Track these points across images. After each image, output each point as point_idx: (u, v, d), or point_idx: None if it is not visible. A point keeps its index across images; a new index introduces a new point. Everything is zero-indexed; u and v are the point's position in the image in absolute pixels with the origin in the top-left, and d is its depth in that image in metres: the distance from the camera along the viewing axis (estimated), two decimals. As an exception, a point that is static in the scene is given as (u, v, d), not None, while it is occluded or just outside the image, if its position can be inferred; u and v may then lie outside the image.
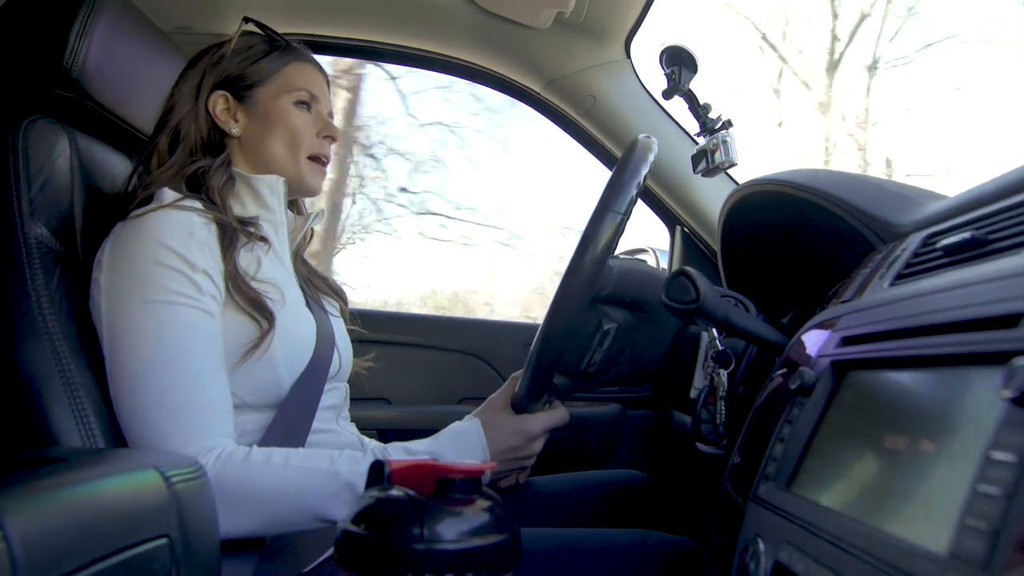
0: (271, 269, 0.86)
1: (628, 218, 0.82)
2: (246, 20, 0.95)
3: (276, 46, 0.94)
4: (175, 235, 0.77)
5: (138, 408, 0.73)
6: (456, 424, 0.90)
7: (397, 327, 1.60)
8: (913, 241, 0.65)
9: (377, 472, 0.48)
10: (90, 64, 0.87)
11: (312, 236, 1.06)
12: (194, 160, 0.87)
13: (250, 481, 0.73)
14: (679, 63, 1.28)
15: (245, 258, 0.84)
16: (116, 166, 0.97)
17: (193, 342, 0.75)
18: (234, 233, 0.82)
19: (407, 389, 1.57)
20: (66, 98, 0.88)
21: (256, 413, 0.83)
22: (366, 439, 1.02)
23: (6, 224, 0.77)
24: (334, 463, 0.77)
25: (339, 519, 0.64)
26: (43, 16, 0.88)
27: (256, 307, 0.80)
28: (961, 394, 0.38)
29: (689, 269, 0.72)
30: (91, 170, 0.90)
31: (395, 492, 0.45)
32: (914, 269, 0.60)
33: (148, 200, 0.83)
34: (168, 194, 0.83)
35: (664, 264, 1.68)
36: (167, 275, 0.76)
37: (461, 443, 0.87)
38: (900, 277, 0.61)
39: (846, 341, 0.55)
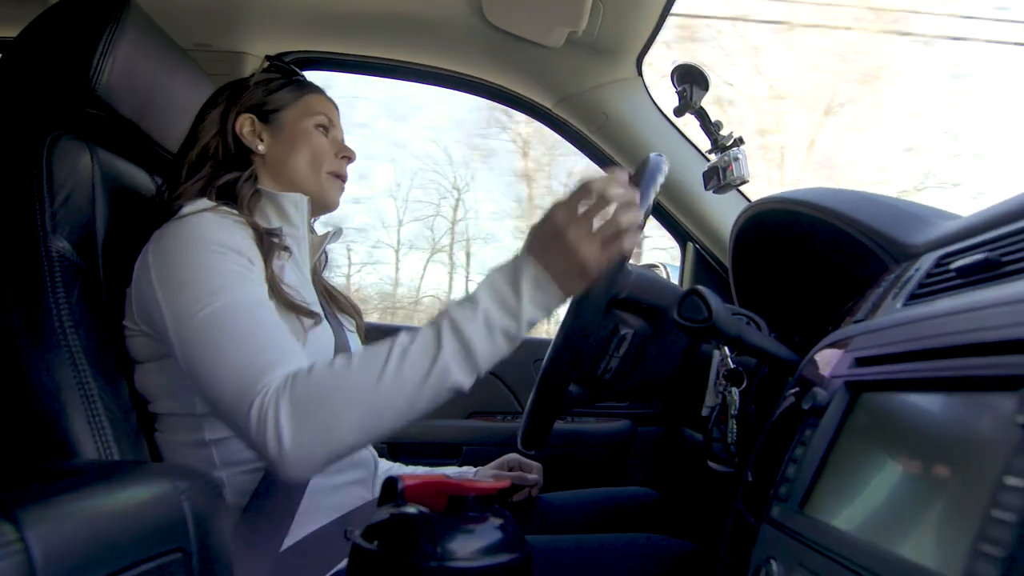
0: (294, 279, 0.89)
1: (645, 220, 0.83)
2: (267, 58, 1.05)
3: (293, 80, 1.02)
4: (223, 232, 0.80)
5: (216, 369, 0.73)
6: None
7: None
8: (926, 261, 0.65)
9: (390, 488, 0.48)
10: (113, 81, 0.89)
11: (327, 260, 1.09)
12: (222, 174, 0.92)
13: (352, 374, 0.71)
14: (690, 81, 1.29)
15: (273, 266, 0.86)
16: (136, 180, 0.99)
17: (259, 307, 0.77)
18: (268, 240, 0.86)
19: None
20: (90, 114, 0.90)
21: None
22: (376, 456, 1.02)
23: (29, 238, 0.79)
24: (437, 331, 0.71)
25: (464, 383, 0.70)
26: (68, 35, 0.90)
27: (295, 308, 0.84)
28: (975, 418, 0.38)
29: (701, 288, 0.72)
30: (112, 184, 0.92)
31: (409, 509, 0.46)
32: (928, 290, 0.60)
33: (178, 210, 0.85)
34: (204, 201, 0.86)
35: (675, 280, 1.68)
36: (225, 259, 0.78)
37: (516, 272, 0.72)
38: (913, 297, 0.61)
39: (860, 362, 0.55)
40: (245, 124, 0.96)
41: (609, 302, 0.87)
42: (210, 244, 0.78)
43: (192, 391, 0.81)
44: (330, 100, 1.03)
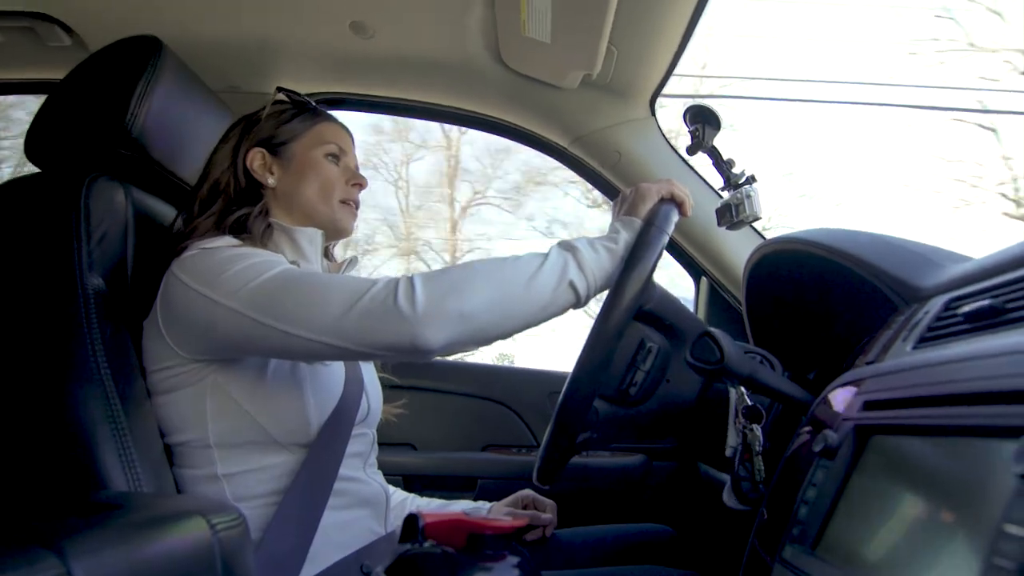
0: None
1: (671, 227, 0.89)
2: (279, 90, 1.04)
3: (305, 109, 1.02)
4: (252, 250, 0.84)
5: (307, 302, 0.76)
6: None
7: (425, 373, 1.63)
8: (935, 304, 0.67)
9: (411, 525, 0.50)
10: (149, 124, 0.94)
11: None
12: (233, 209, 0.93)
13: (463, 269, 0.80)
14: (703, 121, 1.31)
15: None
16: (167, 218, 1.02)
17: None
18: None
19: (433, 435, 1.59)
20: (125, 156, 0.94)
21: (286, 454, 0.85)
22: (391, 488, 1.03)
23: (67, 275, 0.82)
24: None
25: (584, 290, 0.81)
26: (107, 80, 0.95)
27: None
28: (979, 465, 0.39)
29: (713, 331, 0.74)
30: (145, 223, 0.96)
31: (428, 547, 0.47)
32: (936, 333, 0.61)
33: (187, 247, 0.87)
34: (230, 239, 0.88)
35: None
36: (261, 253, 0.83)
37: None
38: (923, 340, 0.62)
39: (869, 406, 0.56)
40: (256, 158, 0.97)
41: (637, 314, 0.89)
42: (237, 250, 0.83)
43: (205, 420, 0.83)
44: (343, 128, 1.04)
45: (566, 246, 0.83)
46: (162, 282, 0.84)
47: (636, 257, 0.85)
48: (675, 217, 0.91)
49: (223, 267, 0.80)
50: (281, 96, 1.04)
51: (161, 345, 0.84)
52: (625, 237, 0.86)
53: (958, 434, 0.42)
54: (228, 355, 0.84)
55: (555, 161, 1.63)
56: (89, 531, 0.43)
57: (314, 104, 1.05)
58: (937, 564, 0.38)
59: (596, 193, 1.67)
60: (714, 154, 1.37)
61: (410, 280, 0.75)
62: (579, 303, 0.84)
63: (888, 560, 0.43)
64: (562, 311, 0.83)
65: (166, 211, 1.04)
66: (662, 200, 0.90)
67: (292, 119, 1.00)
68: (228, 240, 0.87)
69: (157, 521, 0.50)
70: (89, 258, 0.85)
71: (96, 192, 0.89)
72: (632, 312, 0.84)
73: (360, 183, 1.02)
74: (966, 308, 0.57)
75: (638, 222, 0.88)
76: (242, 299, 0.77)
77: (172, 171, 1.02)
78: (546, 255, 0.82)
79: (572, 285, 0.81)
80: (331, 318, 0.74)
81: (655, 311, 0.91)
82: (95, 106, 0.94)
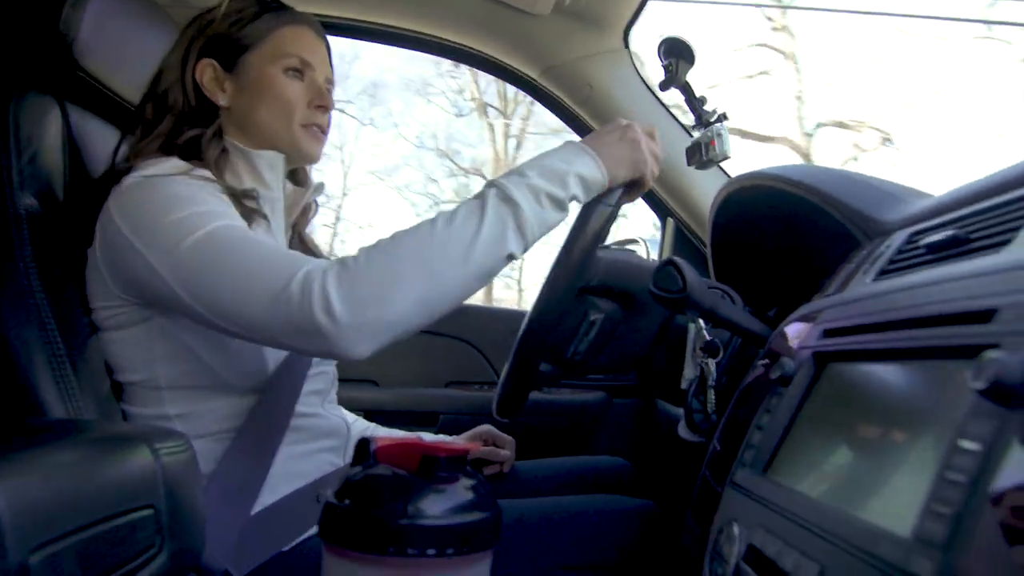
0: None
1: (618, 210, 0.83)
2: None
3: (268, 7, 0.89)
4: (196, 186, 0.76)
5: (229, 283, 0.68)
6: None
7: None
8: (898, 238, 0.67)
9: (363, 449, 0.48)
10: (84, 35, 0.86)
11: (316, 210, 1.02)
12: (183, 130, 0.84)
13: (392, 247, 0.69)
14: (677, 55, 1.28)
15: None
16: (109, 140, 0.96)
17: (252, 232, 0.74)
18: (244, 205, 0.80)
19: (395, 371, 1.58)
20: (60, 70, 0.87)
21: (238, 397, 0.82)
22: (351, 417, 1.02)
23: None
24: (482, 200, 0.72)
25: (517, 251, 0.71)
26: None
27: None
28: (935, 386, 0.39)
29: (677, 259, 0.73)
30: (83, 143, 0.90)
31: (380, 469, 0.46)
32: (897, 265, 0.61)
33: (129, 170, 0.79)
34: (177, 162, 0.79)
35: (655, 255, 1.69)
36: (201, 192, 0.74)
37: (559, 151, 0.77)
38: (883, 273, 0.62)
39: (827, 333, 0.56)
40: (206, 72, 0.86)
41: (580, 289, 0.88)
42: (180, 187, 0.74)
43: (153, 362, 0.79)
44: (312, 30, 0.91)
45: (505, 198, 0.71)
46: (100, 213, 0.77)
47: (577, 242, 0.80)
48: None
49: (157, 215, 0.72)
50: None
51: (101, 280, 0.78)
52: (575, 191, 0.75)
53: (916, 356, 0.42)
54: (161, 307, 0.77)
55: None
56: (13, 453, 0.41)
57: (279, 0, 0.91)
58: (889, 480, 0.38)
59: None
60: (687, 90, 1.34)
61: (324, 287, 0.65)
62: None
63: (840, 479, 0.44)
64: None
65: (110, 134, 0.97)
66: (628, 183, 0.81)
67: (252, 19, 0.87)
68: (174, 164, 0.79)
69: (92, 444, 0.48)
70: (20, 176, 0.79)
71: (26, 108, 0.83)
72: (570, 300, 0.84)
73: (325, 105, 0.89)
74: (929, 239, 0.57)
75: (601, 175, 0.77)
76: (168, 265, 0.70)
77: (112, 88, 0.95)
78: (482, 216, 0.70)
79: (510, 255, 0.71)
80: (250, 315, 0.68)
81: (602, 283, 0.90)
82: (24, 13, 0.86)
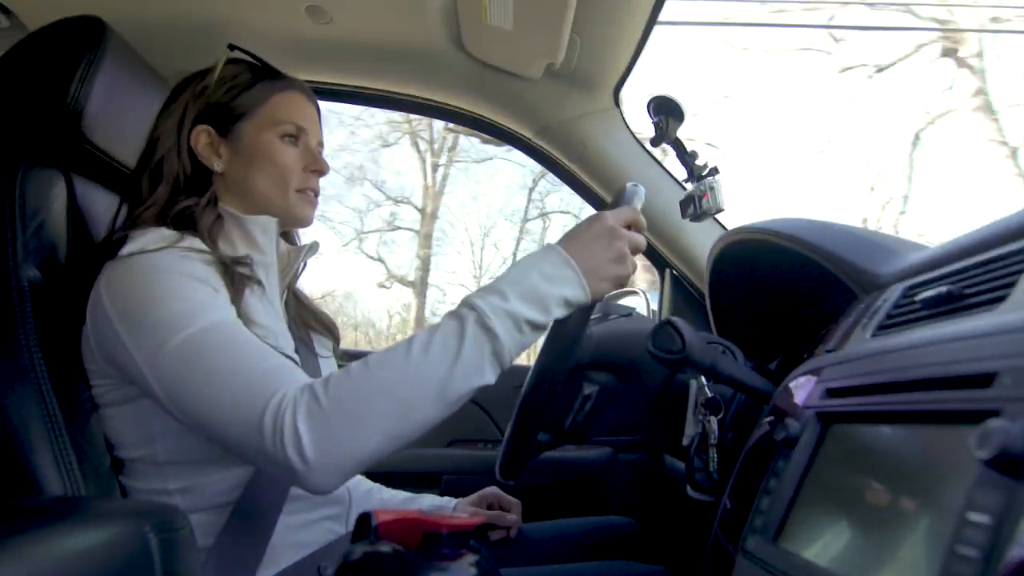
0: (265, 317, 0.83)
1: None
2: (232, 48, 0.92)
3: (262, 75, 0.90)
4: (185, 263, 0.75)
5: (207, 394, 0.67)
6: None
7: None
8: (894, 292, 0.67)
9: (364, 524, 0.48)
10: (91, 109, 0.88)
11: (305, 265, 1.02)
12: (178, 199, 0.84)
13: (365, 379, 0.67)
14: (666, 112, 1.31)
15: (243, 303, 0.80)
16: (112, 206, 0.97)
17: (238, 326, 0.73)
18: (236, 275, 0.80)
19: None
20: (66, 143, 0.89)
21: (239, 468, 0.80)
22: (351, 482, 1.00)
23: (0, 266, 0.78)
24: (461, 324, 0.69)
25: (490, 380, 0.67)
26: (47, 62, 0.90)
27: None
28: (939, 452, 0.39)
29: (675, 319, 0.73)
30: (87, 211, 0.91)
31: (382, 547, 0.45)
32: (895, 320, 0.61)
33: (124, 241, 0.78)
34: (158, 235, 0.78)
35: (655, 306, 1.70)
36: (187, 285, 0.72)
37: (542, 263, 0.73)
38: (882, 328, 0.62)
39: (830, 393, 0.56)
40: (201, 138, 0.86)
41: (572, 368, 0.88)
42: (166, 273, 0.73)
43: (152, 438, 0.77)
44: (305, 96, 0.92)
45: (484, 326, 0.68)
46: (92, 290, 0.76)
47: (561, 336, 0.80)
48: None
49: (143, 306, 0.71)
50: (237, 55, 0.91)
51: (93, 357, 0.77)
52: (557, 314, 0.72)
53: (918, 421, 0.42)
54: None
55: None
56: (8, 538, 0.40)
57: (272, 68, 0.92)
58: (900, 553, 0.38)
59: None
60: (678, 146, 1.37)
61: (295, 424, 0.64)
62: None
63: (850, 549, 0.43)
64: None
65: (113, 202, 0.98)
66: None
67: (247, 88, 0.88)
68: (162, 235, 0.78)
69: (87, 526, 0.47)
70: (25, 249, 0.80)
71: (32, 180, 0.84)
72: (562, 379, 0.84)
73: (320, 169, 0.90)
74: (924, 295, 0.57)
75: (582, 298, 0.73)
76: (150, 365, 0.70)
77: (117, 159, 0.97)
78: (459, 346, 0.67)
79: (482, 381, 0.69)
80: (223, 436, 0.68)
81: (595, 359, 0.91)
82: (34, 88, 0.88)
